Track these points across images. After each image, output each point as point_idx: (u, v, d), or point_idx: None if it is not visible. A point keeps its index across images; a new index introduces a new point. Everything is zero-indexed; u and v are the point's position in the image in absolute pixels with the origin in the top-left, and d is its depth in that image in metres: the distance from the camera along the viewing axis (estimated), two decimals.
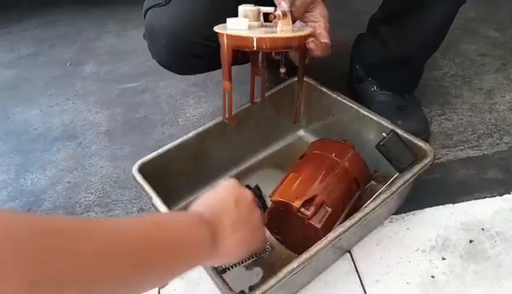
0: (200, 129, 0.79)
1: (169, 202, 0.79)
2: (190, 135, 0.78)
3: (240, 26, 0.61)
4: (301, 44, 0.62)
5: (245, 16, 0.61)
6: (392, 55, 0.88)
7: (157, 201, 0.67)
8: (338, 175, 0.69)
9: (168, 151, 0.76)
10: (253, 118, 0.84)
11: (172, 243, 0.41)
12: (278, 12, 0.59)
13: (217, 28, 0.63)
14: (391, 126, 0.75)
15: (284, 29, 0.61)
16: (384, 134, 0.70)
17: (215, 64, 0.64)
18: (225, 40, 0.61)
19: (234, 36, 0.60)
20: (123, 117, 1.12)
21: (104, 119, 1.11)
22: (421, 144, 0.71)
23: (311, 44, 0.61)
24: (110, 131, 1.07)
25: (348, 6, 1.41)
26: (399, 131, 0.73)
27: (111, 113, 1.13)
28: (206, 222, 0.46)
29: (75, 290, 0.32)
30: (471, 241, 0.72)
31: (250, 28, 0.61)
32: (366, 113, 0.79)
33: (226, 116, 0.70)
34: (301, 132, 0.94)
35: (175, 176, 0.78)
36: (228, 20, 0.62)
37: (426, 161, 0.68)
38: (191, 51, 0.75)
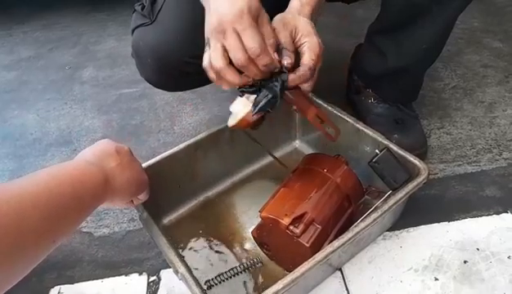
0: (192, 140, 0.78)
1: (160, 213, 0.79)
2: (182, 146, 0.77)
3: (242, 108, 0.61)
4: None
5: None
6: (390, 66, 0.86)
7: (145, 216, 0.66)
8: (329, 192, 0.67)
9: (159, 162, 0.75)
10: (247, 129, 0.83)
11: (71, 185, 0.46)
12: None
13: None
14: (385, 142, 0.73)
15: None
16: (377, 151, 0.68)
17: (203, 81, 0.62)
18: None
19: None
20: (119, 123, 1.11)
21: (100, 125, 1.11)
22: (416, 161, 0.69)
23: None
24: (105, 137, 1.03)
25: (350, 14, 1.39)
26: (394, 147, 0.72)
27: (107, 118, 1.13)
28: (94, 164, 0.52)
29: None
30: (465, 261, 0.70)
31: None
32: (360, 127, 0.78)
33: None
34: (296, 143, 0.93)
35: (166, 187, 0.77)
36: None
37: (420, 179, 0.66)
38: (177, 70, 0.74)
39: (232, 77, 0.54)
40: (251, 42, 0.51)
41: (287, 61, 0.56)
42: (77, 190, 0.46)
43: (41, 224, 0.39)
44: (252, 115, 0.59)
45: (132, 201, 0.64)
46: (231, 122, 0.62)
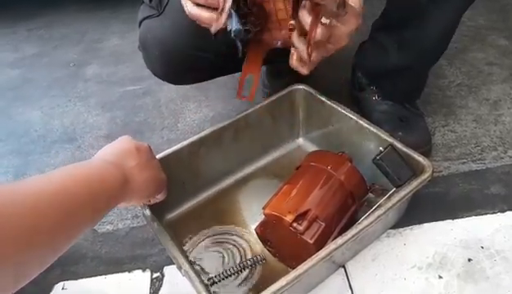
0: (196, 137, 0.78)
1: (163, 209, 0.79)
2: (186, 143, 0.77)
3: None
4: None
5: None
6: (394, 64, 0.86)
7: (148, 212, 0.66)
8: (332, 189, 0.67)
9: (163, 159, 0.75)
10: (250, 126, 0.83)
11: (88, 185, 0.45)
12: None
13: None
14: (390, 139, 0.73)
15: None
16: (381, 148, 0.68)
17: (210, 74, 0.62)
18: None
19: None
20: (123, 120, 1.11)
21: (104, 122, 1.11)
22: (420, 158, 0.69)
23: None
24: (109, 134, 1.07)
25: None
26: (398, 145, 0.71)
27: (112, 116, 1.13)
28: (113, 164, 0.51)
29: (12, 248, 0.34)
30: (470, 259, 0.70)
31: None
32: (365, 124, 0.77)
33: None
34: (300, 141, 0.93)
35: (170, 184, 0.76)
36: None
37: (424, 177, 0.66)
38: (185, 63, 0.74)
39: (201, 12, 0.54)
40: None
41: None
42: (94, 190, 0.45)
43: (56, 223, 0.39)
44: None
45: (149, 200, 0.64)
46: None
